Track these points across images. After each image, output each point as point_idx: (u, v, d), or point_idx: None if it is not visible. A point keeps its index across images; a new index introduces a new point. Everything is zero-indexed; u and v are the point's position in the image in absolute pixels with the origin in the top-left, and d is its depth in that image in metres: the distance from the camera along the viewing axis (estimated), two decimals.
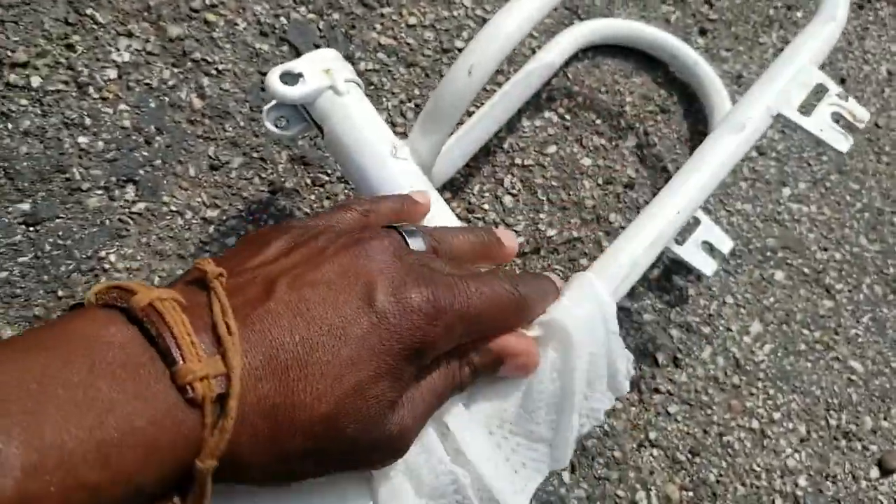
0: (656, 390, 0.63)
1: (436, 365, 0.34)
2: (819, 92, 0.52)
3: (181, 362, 0.25)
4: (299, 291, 0.30)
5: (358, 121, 0.49)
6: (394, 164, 0.47)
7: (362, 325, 0.30)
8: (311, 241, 0.33)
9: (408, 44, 0.70)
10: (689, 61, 0.73)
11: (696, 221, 0.65)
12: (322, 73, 0.50)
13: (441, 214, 0.45)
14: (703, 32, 0.80)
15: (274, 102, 0.51)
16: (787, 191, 0.74)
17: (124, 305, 0.27)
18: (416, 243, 0.35)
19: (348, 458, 0.31)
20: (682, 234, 0.64)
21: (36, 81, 0.60)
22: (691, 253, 0.63)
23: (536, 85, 0.68)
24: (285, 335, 0.28)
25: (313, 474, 0.31)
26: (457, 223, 0.46)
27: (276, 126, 0.52)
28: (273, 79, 0.49)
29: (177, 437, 0.25)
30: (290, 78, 0.49)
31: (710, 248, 0.64)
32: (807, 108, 0.51)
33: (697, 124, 0.75)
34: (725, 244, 0.65)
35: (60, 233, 0.57)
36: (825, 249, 0.72)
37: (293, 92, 0.49)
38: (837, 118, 0.53)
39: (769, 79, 0.52)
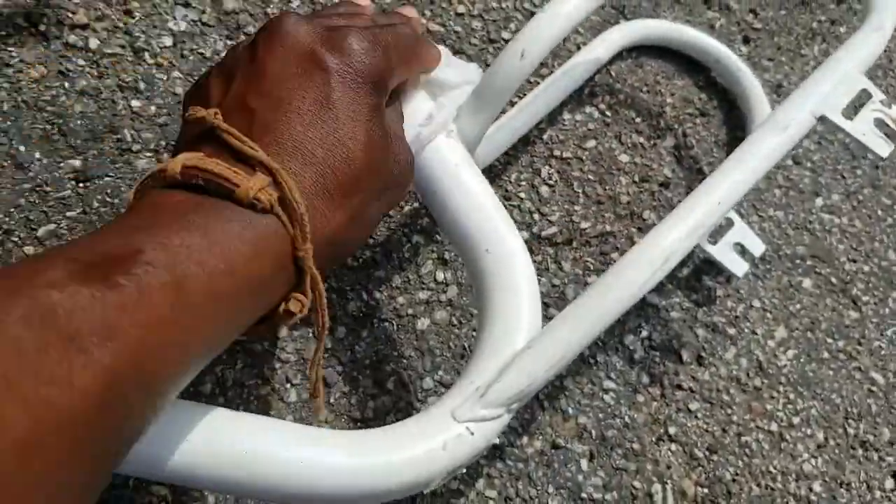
0: (679, 387, 0.64)
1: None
2: (862, 98, 0.53)
3: (235, 188, 0.30)
4: (267, 97, 0.34)
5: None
6: (443, 140, 0.48)
7: (330, 83, 0.35)
8: (235, 57, 0.37)
9: (455, 31, 0.71)
10: (733, 67, 0.74)
11: (730, 223, 0.65)
12: None
13: (486, 196, 0.47)
14: (746, 41, 0.81)
15: None
16: (819, 201, 0.75)
17: (163, 183, 0.31)
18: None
19: (391, 181, 0.39)
20: (715, 235, 0.64)
21: (94, 44, 0.62)
22: (723, 253, 0.64)
23: (581, 79, 0.69)
24: (290, 131, 0.33)
25: (377, 218, 0.39)
26: (499, 206, 0.47)
27: None
28: None
29: (277, 244, 0.31)
30: None
31: (742, 250, 0.65)
32: (849, 114, 0.51)
33: (736, 130, 0.75)
34: (757, 247, 0.66)
35: (109, 190, 0.58)
36: (854, 261, 0.73)
37: None
38: (880, 124, 0.53)
39: (814, 82, 0.53)
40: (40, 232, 0.56)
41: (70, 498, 0.23)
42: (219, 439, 0.35)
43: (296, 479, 0.35)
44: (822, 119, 0.52)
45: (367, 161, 0.35)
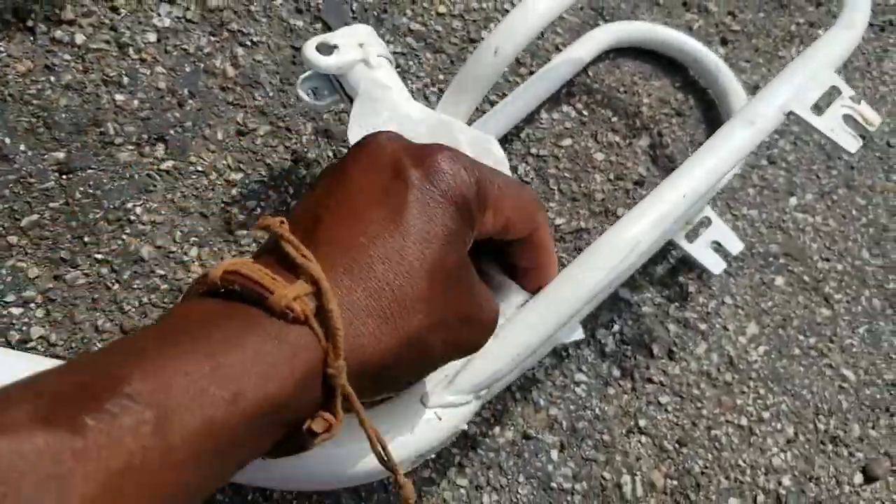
0: (649, 380, 0.65)
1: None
2: (832, 94, 0.54)
3: (269, 295, 0.28)
4: (341, 206, 0.33)
5: (385, 95, 0.52)
6: None
7: (409, 198, 0.33)
8: (331, 167, 0.36)
9: (436, 31, 0.73)
10: (712, 66, 0.75)
11: (707, 221, 0.67)
12: (356, 47, 0.53)
13: None
14: (724, 42, 0.82)
15: (308, 73, 0.55)
16: (793, 200, 0.76)
17: (204, 288, 0.30)
18: None
19: (459, 321, 0.35)
20: (693, 233, 0.66)
21: (80, 39, 0.63)
22: (701, 251, 0.65)
23: (563, 78, 0.71)
24: (351, 242, 0.31)
25: (442, 353, 0.35)
26: None
27: (309, 96, 0.55)
28: (309, 48, 0.52)
29: (304, 360, 0.28)
30: (326, 49, 0.52)
31: (719, 249, 0.66)
32: (819, 110, 0.53)
33: (711, 130, 0.76)
34: (735, 246, 0.67)
35: (91, 182, 0.59)
36: (827, 260, 0.74)
37: (327, 62, 0.52)
38: (848, 120, 0.55)
39: (784, 78, 0.54)
40: (24, 222, 0.57)
41: None
42: None
43: (265, 464, 0.36)
44: (791, 114, 0.54)
45: (430, 285, 0.32)
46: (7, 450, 0.21)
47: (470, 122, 0.62)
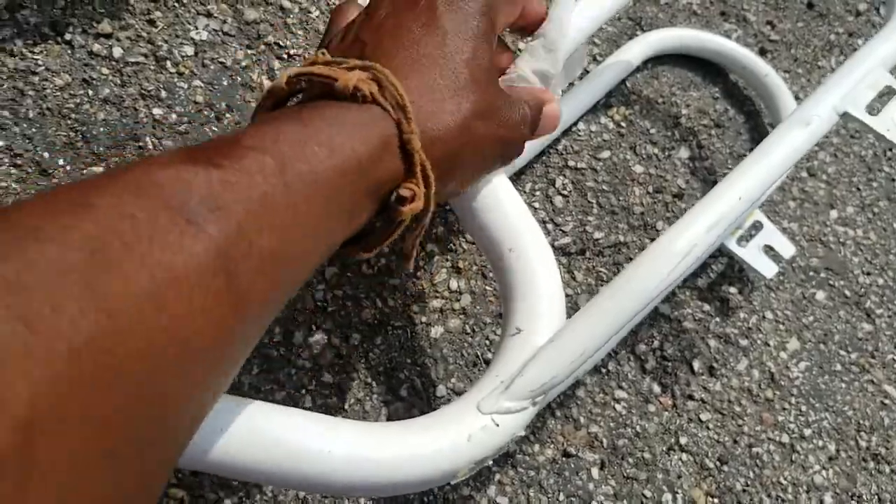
0: (690, 397, 0.64)
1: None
2: (886, 95, 0.53)
3: (335, 83, 0.31)
4: (379, 29, 0.36)
5: None
6: None
7: (437, 10, 0.36)
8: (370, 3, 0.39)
9: None
10: (760, 71, 0.74)
11: (759, 225, 0.66)
12: None
13: (510, 197, 0.48)
14: (763, 52, 0.81)
15: None
16: (834, 213, 0.75)
17: (272, 99, 0.34)
18: None
19: (498, 118, 0.39)
20: (745, 238, 0.65)
21: (118, 52, 0.63)
22: (753, 256, 0.65)
23: (612, 83, 0.70)
24: (396, 47, 0.35)
25: (489, 147, 0.39)
26: (522, 206, 0.48)
27: None
28: None
29: (382, 130, 0.32)
30: None
31: (771, 253, 0.66)
32: (873, 110, 0.52)
33: (752, 141, 0.76)
34: (787, 249, 0.66)
35: None
36: (868, 274, 0.73)
37: None
38: None
39: (838, 78, 0.53)
40: None
41: (194, 352, 0.23)
42: (251, 429, 0.36)
43: (325, 470, 0.36)
44: (846, 115, 0.53)
45: (471, 76, 0.36)
46: (166, 176, 0.24)
47: None
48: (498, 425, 0.44)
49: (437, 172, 0.34)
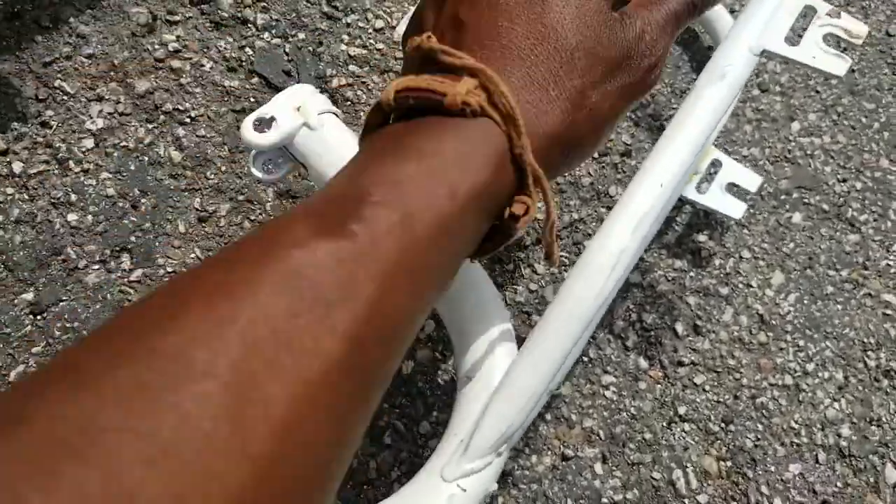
0: (679, 363, 0.62)
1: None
2: (807, 15, 0.49)
3: (444, 98, 0.29)
4: (478, 5, 0.33)
5: (337, 152, 0.49)
6: None
7: None
8: None
9: (378, 49, 0.69)
10: None
11: (718, 164, 0.62)
12: (294, 112, 0.50)
13: None
14: None
15: (255, 151, 0.52)
16: (795, 125, 0.71)
17: (379, 115, 0.32)
18: None
19: (616, 68, 0.35)
20: (705, 181, 0.62)
21: (18, 167, 0.61)
22: (716, 199, 0.61)
23: None
24: (496, 30, 0.32)
25: (612, 107, 0.36)
26: None
27: (265, 172, 0.53)
28: (247, 129, 0.50)
29: (493, 147, 0.30)
30: (265, 123, 0.49)
31: (735, 189, 0.62)
32: (794, 38, 0.48)
33: (691, 73, 0.71)
34: (753, 182, 0.63)
35: (66, 316, 0.58)
36: (844, 180, 0.69)
37: (268, 138, 0.49)
38: (830, 39, 0.50)
39: (749, 14, 0.49)
40: (11, 376, 0.56)
41: (327, 475, 0.24)
42: None
43: None
44: (765, 53, 0.49)
45: (579, 43, 0.33)
46: (304, 261, 0.24)
47: None
48: (465, 490, 0.43)
49: (553, 168, 0.33)
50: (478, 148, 0.30)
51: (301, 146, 0.50)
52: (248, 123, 0.50)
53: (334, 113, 0.52)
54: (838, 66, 0.49)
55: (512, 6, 0.33)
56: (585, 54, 0.33)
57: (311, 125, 0.50)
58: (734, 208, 0.62)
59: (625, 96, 0.36)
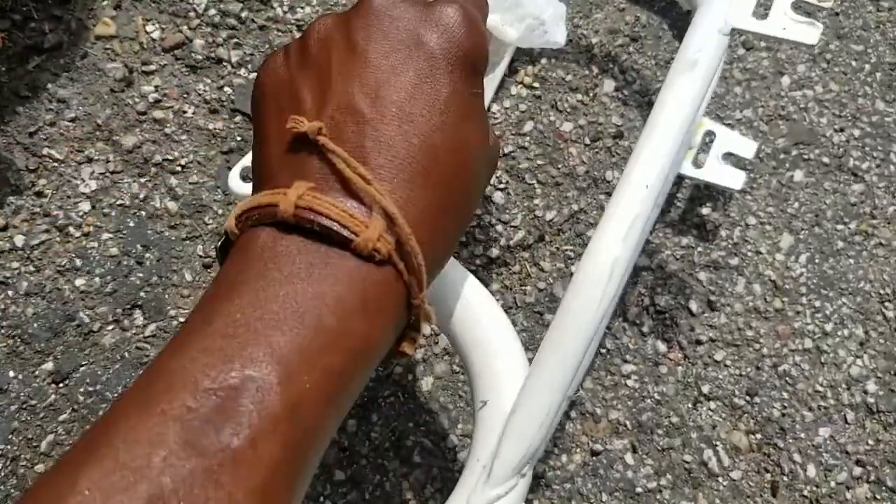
0: (698, 341, 0.62)
1: None
2: None
3: (355, 238, 0.28)
4: (377, 99, 0.31)
5: None
6: None
7: (440, 79, 0.32)
8: (327, 44, 0.32)
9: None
10: None
11: (712, 134, 0.62)
12: None
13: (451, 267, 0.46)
14: None
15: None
16: (786, 80, 0.69)
17: (273, 220, 0.29)
18: None
19: (483, 182, 0.36)
20: (702, 152, 0.61)
21: (20, 240, 0.62)
22: (714, 171, 0.61)
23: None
24: (403, 147, 0.30)
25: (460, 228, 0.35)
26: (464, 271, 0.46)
27: None
28: (234, 180, 0.50)
29: (388, 292, 0.29)
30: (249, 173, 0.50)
31: (732, 158, 0.61)
32: (762, 12, 0.48)
33: (673, 41, 0.70)
34: (748, 148, 0.62)
35: (88, 380, 0.59)
36: (841, 130, 0.68)
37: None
38: (798, 7, 0.49)
39: None
40: (42, 446, 0.57)
41: None
42: None
43: None
44: (734, 31, 0.49)
45: (481, 163, 0.33)
46: (172, 488, 0.22)
47: None
48: None
49: (436, 272, 0.33)
50: (377, 300, 0.29)
51: None
52: (234, 175, 0.50)
53: None
54: (810, 34, 0.49)
55: (418, 116, 0.31)
56: (486, 174, 0.34)
57: None
58: (734, 179, 0.61)
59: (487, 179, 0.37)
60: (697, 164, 0.61)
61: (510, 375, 0.45)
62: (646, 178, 0.44)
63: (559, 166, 0.65)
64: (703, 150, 0.62)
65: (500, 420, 0.44)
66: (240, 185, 0.50)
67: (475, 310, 0.46)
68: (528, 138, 0.66)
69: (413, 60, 0.31)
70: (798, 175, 0.66)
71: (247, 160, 0.50)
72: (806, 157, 0.67)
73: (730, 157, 0.62)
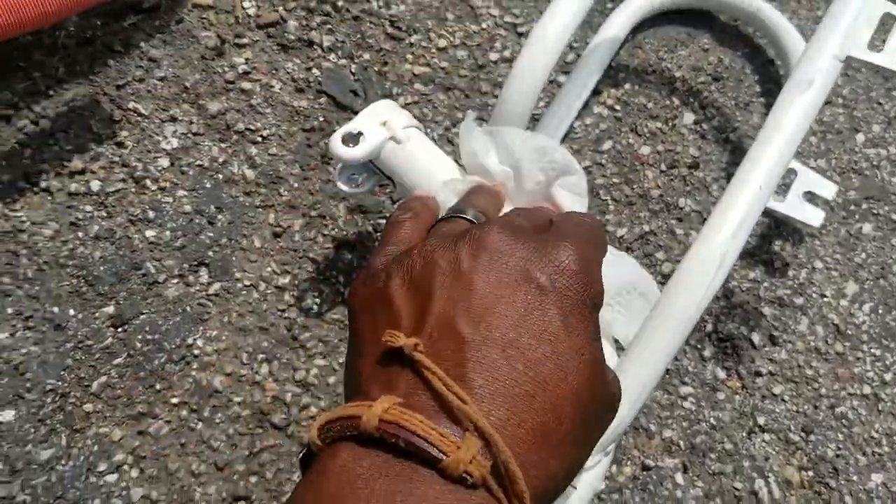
0: (757, 373, 0.61)
1: None
2: (887, 23, 0.50)
3: (444, 458, 0.25)
4: (481, 323, 0.29)
5: (424, 164, 0.50)
6: None
7: (549, 311, 0.29)
8: (432, 268, 0.31)
9: (442, 68, 0.69)
10: (751, 5, 0.70)
11: (793, 173, 0.63)
12: (380, 127, 0.51)
13: None
14: None
15: (341, 165, 0.53)
16: (860, 137, 0.71)
17: (355, 433, 0.26)
18: (480, 218, 0.36)
19: (599, 423, 0.31)
20: (782, 190, 0.62)
21: (96, 185, 0.62)
22: (795, 207, 0.62)
23: (602, 66, 0.68)
24: (506, 371, 0.28)
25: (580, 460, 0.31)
26: None
27: (350, 185, 0.54)
28: (335, 143, 0.51)
29: None
30: (351, 138, 0.50)
31: (811, 198, 0.62)
32: (877, 44, 0.49)
33: (756, 85, 0.72)
34: (829, 189, 0.63)
35: (147, 328, 0.59)
36: None
37: (356, 152, 0.50)
38: None
39: (831, 23, 0.50)
40: (94, 387, 0.57)
41: None
42: None
43: None
44: (849, 59, 0.50)
45: (591, 400, 0.30)
46: None
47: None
48: (576, 487, 0.43)
49: None
50: None
51: (388, 160, 0.51)
52: (336, 138, 0.51)
53: (417, 127, 0.53)
54: None
55: (524, 345, 0.29)
56: (594, 414, 0.30)
57: (398, 139, 0.51)
58: (813, 216, 0.62)
59: (602, 432, 0.32)
60: (778, 199, 0.62)
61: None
62: (761, 179, 0.45)
63: (634, 187, 0.66)
64: (783, 190, 0.62)
65: None
66: (341, 149, 0.51)
67: None
68: (605, 156, 0.67)
69: (522, 293, 0.30)
70: (867, 228, 0.67)
71: (348, 126, 0.51)
72: (875, 211, 0.68)
73: (809, 196, 0.63)
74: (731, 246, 0.44)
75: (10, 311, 0.58)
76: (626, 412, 0.42)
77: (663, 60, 0.72)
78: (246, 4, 0.70)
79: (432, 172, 0.50)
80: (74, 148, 0.63)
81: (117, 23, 0.67)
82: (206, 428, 0.56)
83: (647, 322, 0.44)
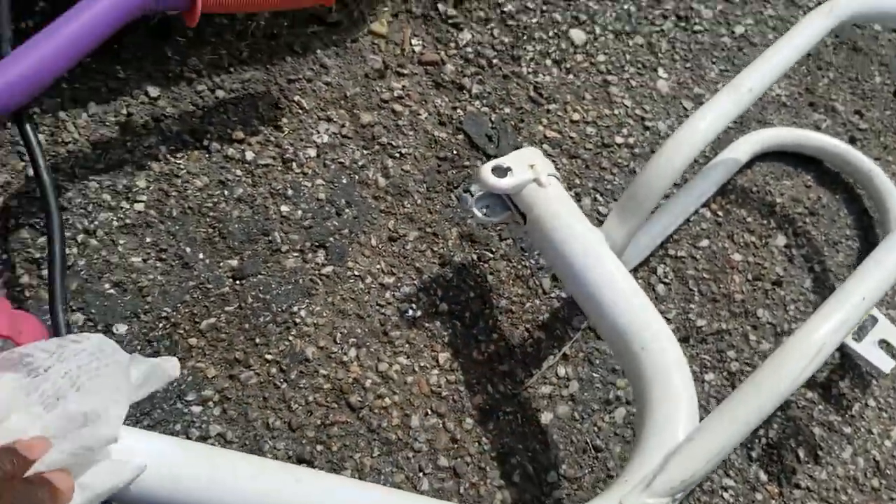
0: (797, 485, 0.65)
1: None
2: None
3: None
4: None
5: (560, 210, 0.56)
6: (596, 250, 0.54)
7: None
8: None
9: (571, 137, 0.76)
10: (864, 167, 0.77)
11: (874, 320, 0.67)
12: (527, 168, 0.58)
13: (637, 295, 0.52)
14: (852, 141, 0.83)
15: (481, 192, 0.60)
16: None
17: None
18: None
19: None
20: (860, 333, 0.66)
21: (249, 155, 0.69)
22: (869, 351, 0.66)
23: (722, 179, 0.74)
24: None
25: None
26: (649, 303, 0.51)
27: (483, 213, 0.60)
28: (486, 171, 0.58)
29: None
30: (500, 171, 0.57)
31: (886, 346, 0.67)
32: None
33: (847, 228, 0.77)
34: None
35: (261, 287, 0.64)
36: None
37: (503, 183, 0.57)
38: None
39: None
40: (203, 325, 0.62)
41: None
42: None
43: None
44: None
45: None
46: None
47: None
48: None
49: None
50: None
51: (528, 198, 0.58)
52: (486, 168, 0.58)
53: (558, 178, 0.59)
54: None
55: None
56: None
57: (542, 182, 0.57)
58: (884, 363, 0.66)
59: None
60: (856, 338, 0.66)
61: (686, 411, 0.49)
62: (865, 291, 0.50)
63: (720, 286, 0.71)
64: (861, 333, 0.67)
65: (667, 445, 0.47)
66: (490, 177, 0.58)
67: (658, 342, 0.51)
68: (700, 252, 0.73)
69: None
70: None
71: (499, 160, 0.58)
72: None
73: (884, 345, 0.67)
74: (829, 339, 0.49)
75: (148, 240, 0.64)
76: (701, 466, 0.46)
77: (769, 185, 0.78)
78: (414, 41, 0.78)
79: (565, 218, 0.56)
80: (239, 120, 0.70)
81: (301, 28, 0.76)
82: (289, 389, 0.61)
83: (738, 390, 0.48)
